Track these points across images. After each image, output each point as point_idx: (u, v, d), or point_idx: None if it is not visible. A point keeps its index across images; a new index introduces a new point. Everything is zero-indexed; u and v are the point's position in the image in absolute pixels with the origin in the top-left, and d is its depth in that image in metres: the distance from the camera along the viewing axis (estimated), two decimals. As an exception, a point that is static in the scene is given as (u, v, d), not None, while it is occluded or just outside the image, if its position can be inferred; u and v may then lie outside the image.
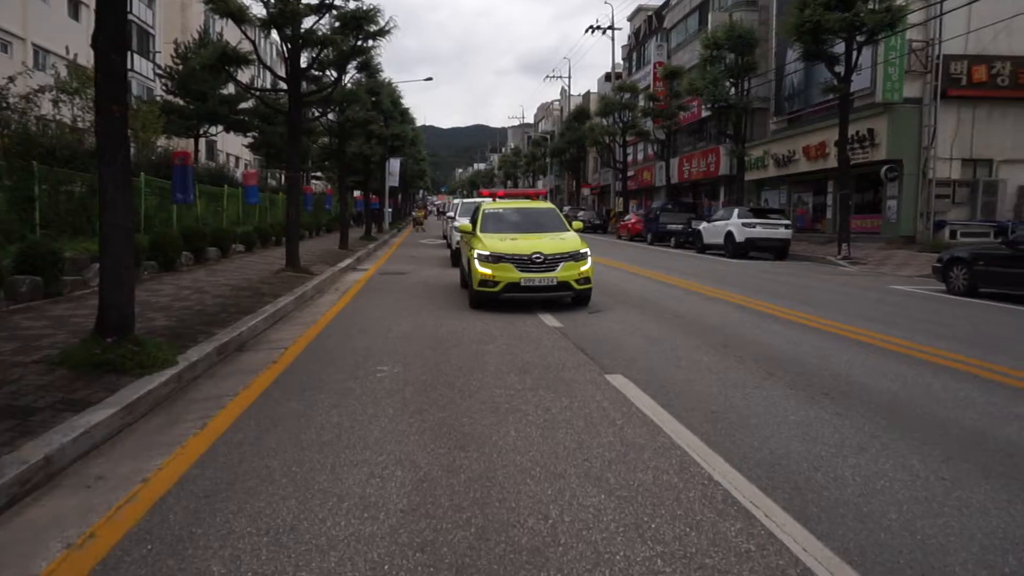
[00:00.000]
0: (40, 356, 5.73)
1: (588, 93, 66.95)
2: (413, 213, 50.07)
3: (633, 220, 32.47)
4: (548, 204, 12.66)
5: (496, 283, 9.61)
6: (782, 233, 20.79)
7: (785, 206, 28.76)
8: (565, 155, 56.28)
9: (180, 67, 27.57)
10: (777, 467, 3.91)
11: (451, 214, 19.41)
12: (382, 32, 13.55)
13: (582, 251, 9.96)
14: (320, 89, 15.12)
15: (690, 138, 40.15)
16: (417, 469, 3.85)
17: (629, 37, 53.47)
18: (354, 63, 17.58)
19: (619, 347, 7.27)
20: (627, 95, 40.46)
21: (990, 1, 20.96)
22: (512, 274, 9.57)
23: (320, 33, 12.75)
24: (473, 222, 11.39)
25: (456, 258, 16.76)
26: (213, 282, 11.81)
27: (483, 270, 9.70)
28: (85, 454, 4.03)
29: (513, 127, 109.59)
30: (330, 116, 22.83)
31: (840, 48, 20.05)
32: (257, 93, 13.40)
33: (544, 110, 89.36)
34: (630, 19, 53.92)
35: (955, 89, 22.35)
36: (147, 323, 7.47)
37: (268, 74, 15.31)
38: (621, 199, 40.76)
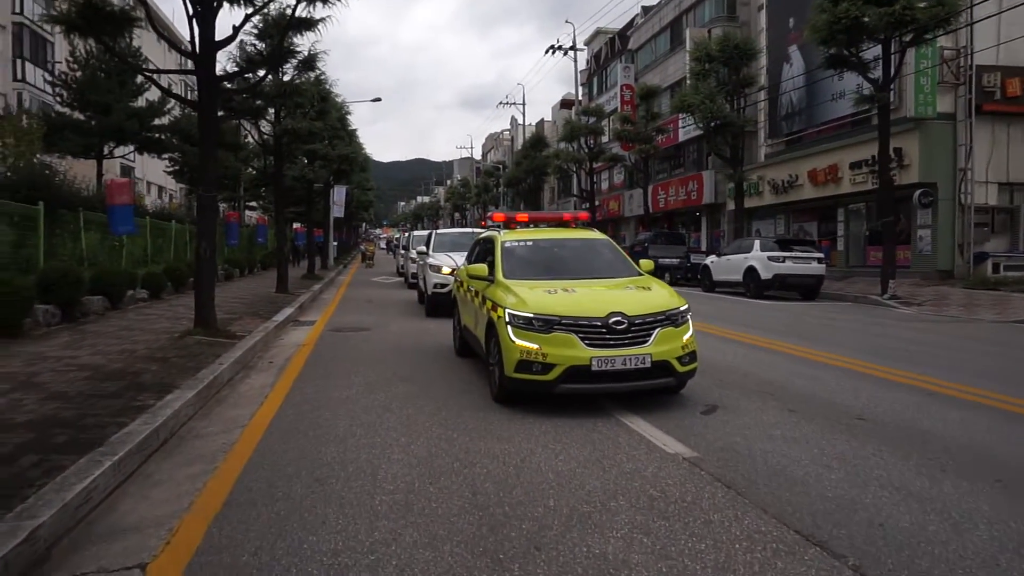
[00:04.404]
0: None
1: (542, 121, 64.21)
2: (361, 247, 45.65)
3: (614, 253, 29.05)
4: (598, 234, 8.11)
5: (549, 367, 5.55)
6: (815, 268, 17.47)
7: (784, 236, 25.70)
8: (522, 185, 52.81)
9: (79, 74, 22.73)
10: None
11: (421, 248, 15.24)
12: (333, -7, 9.45)
13: (681, 308, 6.04)
14: (244, 71, 10.93)
15: (664, 164, 37.20)
16: None
17: (588, 61, 50.81)
18: (295, 60, 13.58)
19: (901, 540, 3.33)
20: (592, 119, 37.30)
21: (1021, 10, 18.57)
22: (576, 351, 5.53)
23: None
24: (489, 263, 7.15)
25: (433, 305, 12.69)
26: (67, 360, 7.37)
27: (524, 344, 5.65)
28: None
29: (460, 159, 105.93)
30: (264, 128, 18.64)
31: (869, 53, 17.20)
32: (144, 71, 9.04)
33: (493, 140, 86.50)
34: (588, 43, 51.29)
35: (990, 104, 19.76)
36: None
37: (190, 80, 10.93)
38: (591, 231, 37.34)
